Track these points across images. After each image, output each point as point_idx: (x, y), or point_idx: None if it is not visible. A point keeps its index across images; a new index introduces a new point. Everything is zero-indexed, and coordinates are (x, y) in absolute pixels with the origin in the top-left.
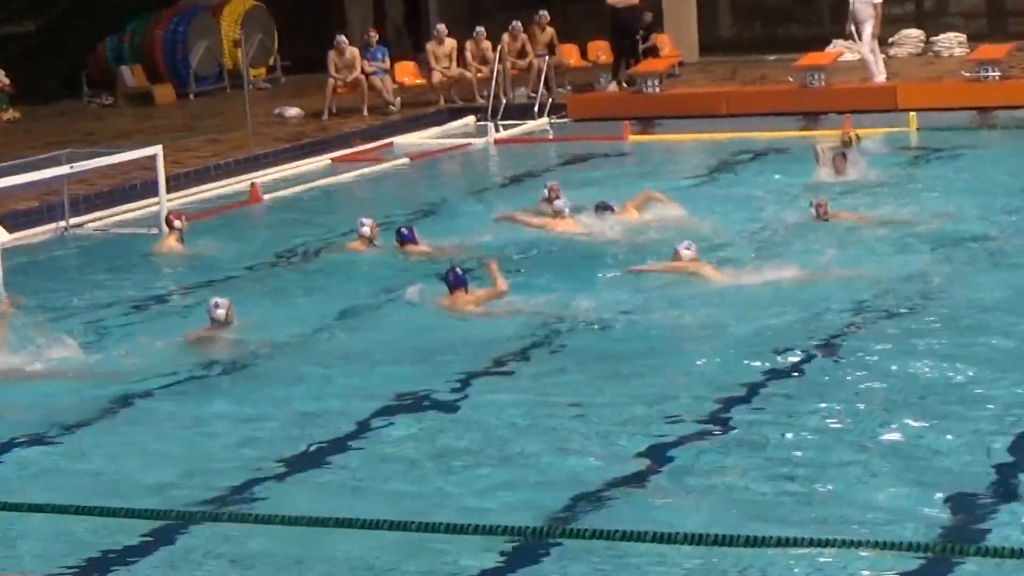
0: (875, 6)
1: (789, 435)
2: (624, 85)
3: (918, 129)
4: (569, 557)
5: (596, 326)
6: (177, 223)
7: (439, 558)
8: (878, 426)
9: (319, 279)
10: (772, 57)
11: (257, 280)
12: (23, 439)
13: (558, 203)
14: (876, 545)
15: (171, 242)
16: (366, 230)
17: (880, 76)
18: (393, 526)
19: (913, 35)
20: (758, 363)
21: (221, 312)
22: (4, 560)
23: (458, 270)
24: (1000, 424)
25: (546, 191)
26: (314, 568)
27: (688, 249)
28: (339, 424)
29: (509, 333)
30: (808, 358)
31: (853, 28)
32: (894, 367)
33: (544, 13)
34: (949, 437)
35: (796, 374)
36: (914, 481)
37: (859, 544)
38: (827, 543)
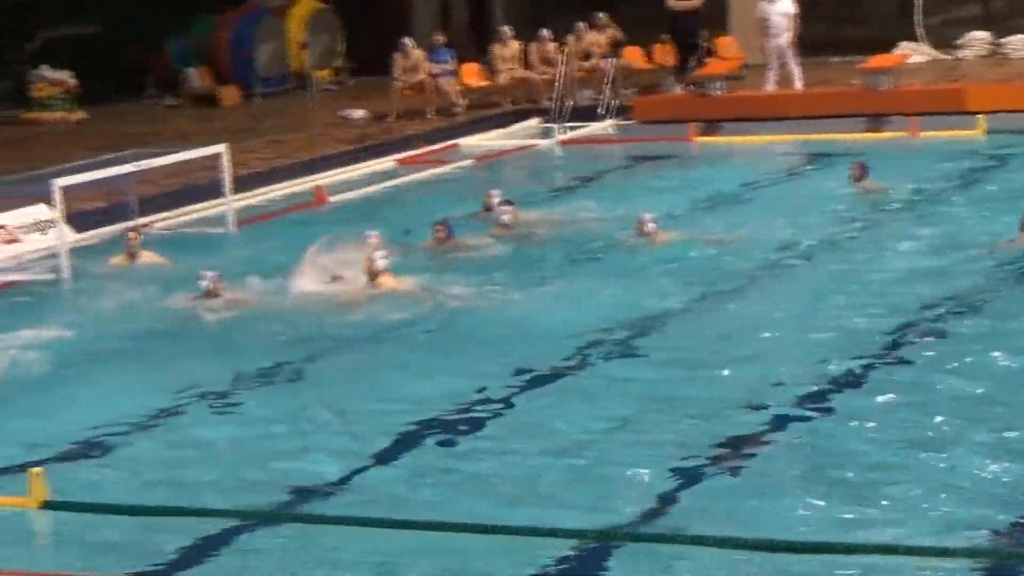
0: (790, 17)
1: (841, 441)
2: (690, 87)
3: (987, 132)
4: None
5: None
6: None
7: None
8: (936, 432)
9: None
10: (837, 59)
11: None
12: (88, 439)
13: (504, 215)
14: (934, 552)
15: (119, 260)
16: (206, 283)
17: (767, 86)
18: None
19: (981, 37)
20: (809, 367)
21: None
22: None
23: None
24: None
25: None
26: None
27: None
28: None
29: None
30: (859, 364)
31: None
32: (949, 378)
33: (601, 15)
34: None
35: (848, 381)
36: (970, 488)
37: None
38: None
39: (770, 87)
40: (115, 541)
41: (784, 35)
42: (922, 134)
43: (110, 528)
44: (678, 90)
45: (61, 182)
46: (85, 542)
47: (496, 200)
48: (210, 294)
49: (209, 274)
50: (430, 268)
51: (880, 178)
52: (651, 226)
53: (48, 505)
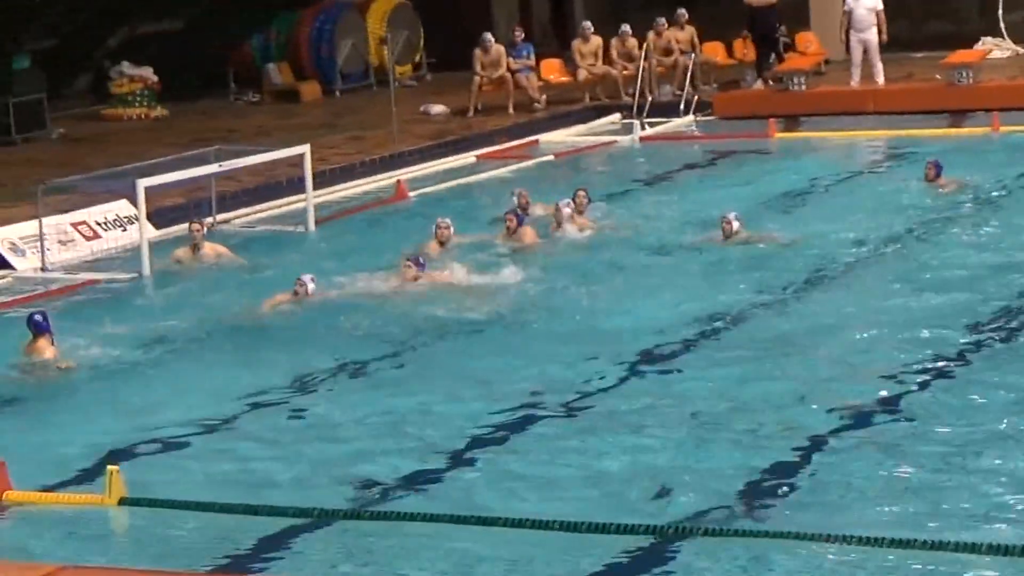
0: (877, 13)
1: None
2: (770, 83)
3: None
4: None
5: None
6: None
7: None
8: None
9: None
10: (919, 55)
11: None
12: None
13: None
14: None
15: (182, 253)
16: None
17: (853, 82)
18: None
19: None
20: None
21: None
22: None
23: (38, 316)
24: None
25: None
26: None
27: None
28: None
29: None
30: (930, 364)
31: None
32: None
33: (681, 11)
34: None
35: (917, 380)
36: None
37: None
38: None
39: (855, 83)
40: (190, 537)
41: (869, 30)
42: (1003, 129)
43: (186, 525)
44: (758, 86)
45: (145, 182)
46: (161, 538)
47: (525, 199)
48: (300, 296)
49: (304, 278)
50: (501, 260)
51: (960, 174)
52: (735, 224)
53: (125, 502)
